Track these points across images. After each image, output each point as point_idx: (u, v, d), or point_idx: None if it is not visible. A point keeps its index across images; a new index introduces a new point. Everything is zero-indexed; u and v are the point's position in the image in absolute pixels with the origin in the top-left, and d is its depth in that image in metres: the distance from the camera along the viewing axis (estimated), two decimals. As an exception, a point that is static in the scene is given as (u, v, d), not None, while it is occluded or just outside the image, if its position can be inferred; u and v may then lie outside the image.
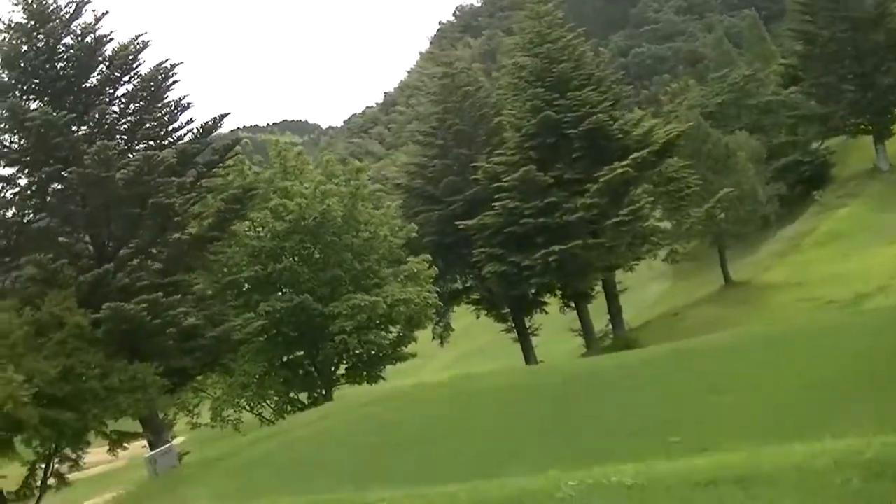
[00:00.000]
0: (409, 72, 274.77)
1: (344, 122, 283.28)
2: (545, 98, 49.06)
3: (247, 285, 35.90)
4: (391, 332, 38.99)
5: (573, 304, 53.92)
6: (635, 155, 47.82)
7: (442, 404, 21.62)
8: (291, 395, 38.29)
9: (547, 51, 49.70)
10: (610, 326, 53.63)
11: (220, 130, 33.20)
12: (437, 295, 40.34)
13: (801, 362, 15.84)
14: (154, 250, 31.80)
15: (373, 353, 38.50)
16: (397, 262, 39.95)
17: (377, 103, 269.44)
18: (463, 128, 52.87)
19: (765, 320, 44.39)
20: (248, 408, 37.78)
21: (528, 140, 49.74)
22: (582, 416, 16.85)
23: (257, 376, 36.04)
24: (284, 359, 38.18)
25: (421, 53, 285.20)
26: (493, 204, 48.10)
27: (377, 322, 37.18)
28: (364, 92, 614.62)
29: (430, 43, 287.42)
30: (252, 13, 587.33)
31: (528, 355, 53.80)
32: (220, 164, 32.61)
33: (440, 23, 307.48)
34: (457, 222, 48.91)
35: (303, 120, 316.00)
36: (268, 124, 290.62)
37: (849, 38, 75.39)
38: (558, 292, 53.17)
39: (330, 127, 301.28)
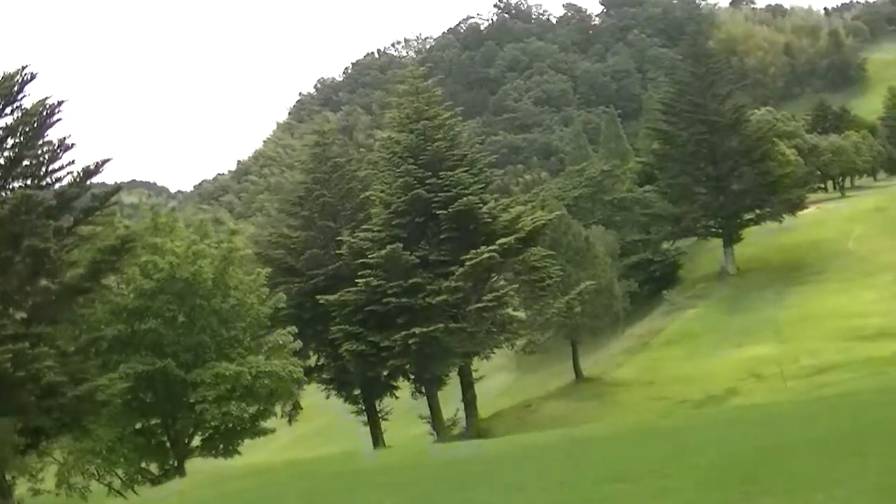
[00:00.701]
0: (265, 141, 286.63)
1: (194, 187, 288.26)
2: (417, 176, 52.16)
3: (106, 344, 36.90)
4: (252, 406, 40.71)
5: (423, 390, 57.17)
6: (503, 241, 51.18)
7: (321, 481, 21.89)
8: (143, 464, 39.21)
9: (423, 128, 53.00)
10: (460, 414, 57.11)
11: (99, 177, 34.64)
12: (302, 369, 42.54)
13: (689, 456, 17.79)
14: (18, 297, 32.60)
15: (231, 425, 39.99)
16: (263, 332, 41.95)
17: (230, 171, 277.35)
18: (330, 200, 55.06)
19: (619, 417, 48.90)
20: (97, 475, 38.41)
21: (396, 217, 52.56)
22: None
23: (109, 442, 36.84)
24: (139, 425, 39.16)
25: (278, 123, 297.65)
26: (357, 281, 49.91)
27: (240, 393, 38.88)
28: (216, 158, 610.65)
29: (289, 114, 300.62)
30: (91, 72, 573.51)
31: (377, 439, 56.24)
32: (98, 212, 33.94)
33: (300, 94, 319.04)
34: (317, 297, 51.28)
35: (151, 181, 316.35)
36: (115, 182, 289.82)
37: (706, 141, 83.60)
38: (411, 376, 56.40)
39: (179, 191, 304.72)
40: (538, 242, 56.44)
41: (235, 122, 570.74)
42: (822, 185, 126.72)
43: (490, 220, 53.14)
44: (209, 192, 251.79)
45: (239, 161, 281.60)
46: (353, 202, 56.27)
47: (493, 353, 56.65)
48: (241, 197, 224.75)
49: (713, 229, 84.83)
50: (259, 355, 40.61)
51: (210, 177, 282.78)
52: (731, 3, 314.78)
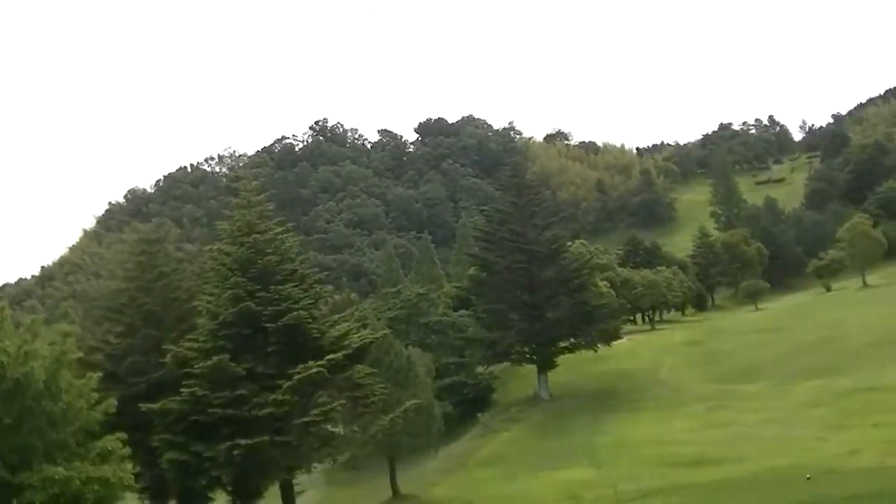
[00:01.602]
0: (70, 248, 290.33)
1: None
2: (247, 288, 55.97)
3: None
4: (79, 511, 42.79)
5: (241, 503, 59.98)
6: (331, 356, 55.71)
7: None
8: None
9: (254, 241, 57.64)
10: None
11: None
12: (133, 476, 45.02)
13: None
14: None
15: (54, 531, 41.98)
16: (93, 436, 44.34)
17: (33, 276, 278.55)
18: (154, 308, 58.63)
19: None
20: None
21: (223, 328, 55.98)
22: None
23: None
24: (-41, 529, 40.60)
25: (85, 231, 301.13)
26: (181, 390, 53.55)
27: (68, 499, 41.04)
28: (15, 262, 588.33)
29: (97, 222, 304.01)
30: None
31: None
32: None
33: (110, 203, 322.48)
34: (140, 405, 54.05)
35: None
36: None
37: (523, 270, 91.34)
38: (229, 487, 59.15)
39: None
40: (363, 360, 61.17)
41: (36, 227, 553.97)
42: (632, 318, 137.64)
43: (318, 335, 57.43)
44: (11, 296, 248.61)
45: (43, 266, 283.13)
46: (177, 311, 59.51)
47: (316, 467, 60.47)
48: (45, 303, 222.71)
49: (528, 355, 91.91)
50: (86, 461, 43.01)
51: (12, 280, 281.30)
52: (545, 139, 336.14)
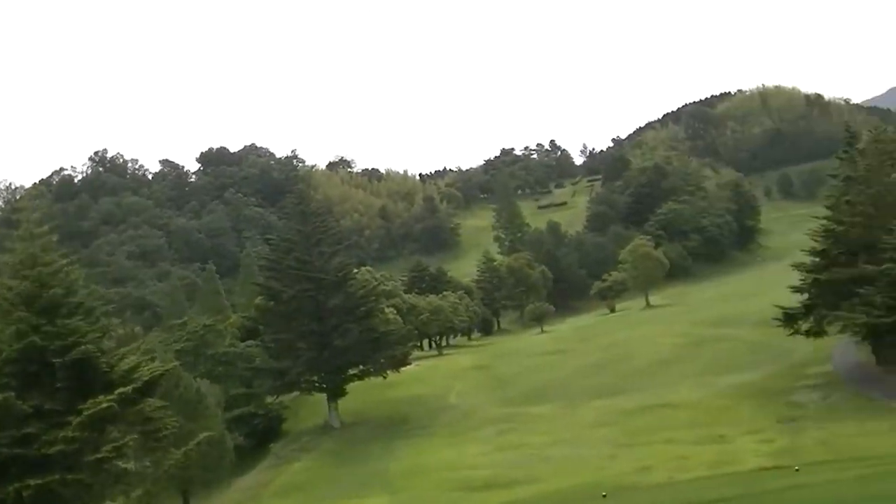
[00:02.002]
0: None
1: None
2: (32, 323, 56.54)
3: None
4: None
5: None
6: (121, 390, 56.83)
7: None
8: None
9: (38, 274, 58.24)
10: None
11: None
12: None
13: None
14: None
15: None
16: None
17: None
18: (-70, 346, 58.44)
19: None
20: None
21: (7, 365, 55.87)
22: None
23: None
24: None
25: None
26: (-35, 431, 53.91)
27: None
28: None
29: None
30: None
31: None
32: None
33: None
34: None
35: None
36: None
37: (311, 298, 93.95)
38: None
39: None
40: (154, 393, 62.29)
41: None
42: (420, 344, 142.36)
43: (108, 369, 58.18)
44: None
45: None
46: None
47: (109, 504, 61.11)
48: None
49: (317, 384, 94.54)
50: None
51: None
52: (328, 167, 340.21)
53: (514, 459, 70.99)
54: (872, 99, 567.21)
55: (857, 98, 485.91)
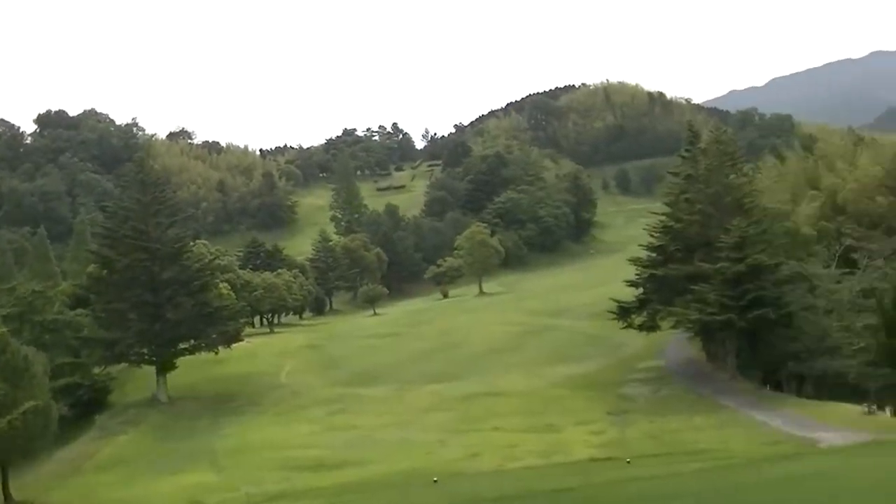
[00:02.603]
0: None
1: None
2: None
3: None
4: None
5: None
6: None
7: None
8: None
9: None
10: None
11: None
12: None
13: None
14: None
15: None
16: None
17: None
18: None
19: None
20: None
21: None
22: None
23: None
24: None
25: None
26: None
27: None
28: None
29: None
30: None
31: None
32: None
33: None
34: None
35: None
36: None
37: (145, 269, 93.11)
38: None
39: None
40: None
41: None
42: (252, 321, 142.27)
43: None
44: None
45: None
46: None
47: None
48: None
49: (147, 356, 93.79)
50: None
51: None
52: (168, 136, 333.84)
53: (344, 441, 71.82)
54: (713, 100, 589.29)
55: (699, 98, 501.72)
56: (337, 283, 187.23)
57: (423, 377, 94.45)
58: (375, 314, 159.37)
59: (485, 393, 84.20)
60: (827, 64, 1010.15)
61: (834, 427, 58.47)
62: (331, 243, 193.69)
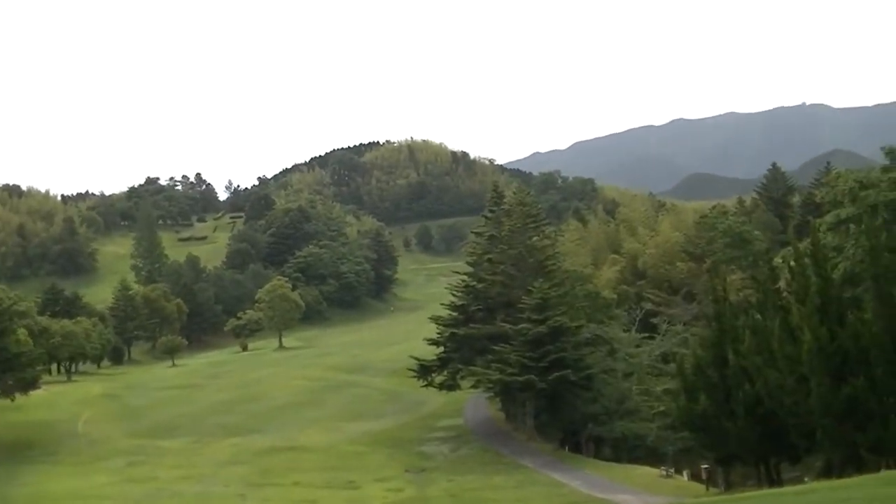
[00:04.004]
0: None
1: None
2: None
3: None
4: None
5: None
6: None
7: None
8: None
9: None
10: None
11: None
12: None
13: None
14: None
15: None
16: None
17: None
18: None
19: None
20: None
21: None
22: None
23: None
24: None
25: None
26: None
27: None
28: None
29: None
30: None
31: None
32: None
33: None
34: None
35: None
36: None
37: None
38: None
39: None
40: None
41: None
42: (49, 369, 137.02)
43: None
44: None
45: None
46: None
47: None
48: None
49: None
50: None
51: None
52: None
53: (142, 492, 69.54)
54: (516, 161, 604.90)
55: (502, 159, 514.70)
56: (136, 332, 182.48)
57: (223, 430, 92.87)
58: (174, 365, 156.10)
59: (284, 447, 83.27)
60: (629, 129, 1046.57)
61: (632, 489, 59.87)
62: (131, 292, 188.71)
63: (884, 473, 28.34)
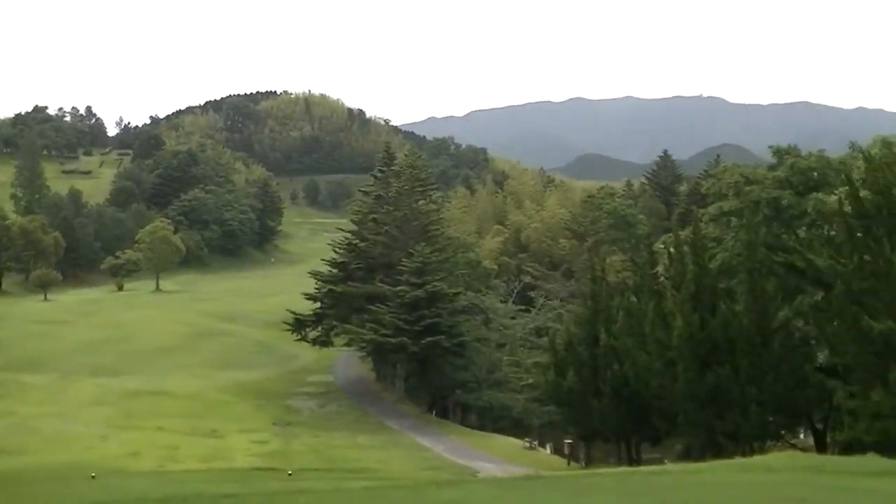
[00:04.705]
0: None
1: None
2: None
3: None
4: None
5: None
6: None
7: None
8: None
9: None
10: None
11: None
12: None
13: None
14: None
15: None
16: None
17: None
18: None
19: None
20: None
21: None
22: None
23: None
24: None
25: None
26: None
27: None
28: None
29: None
30: None
31: None
32: None
33: None
34: None
35: None
36: None
37: None
38: None
39: None
40: None
41: None
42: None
43: None
44: None
45: None
46: None
47: None
48: None
49: None
50: None
51: None
52: None
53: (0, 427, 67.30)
54: (412, 124, 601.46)
55: (398, 120, 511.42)
56: (9, 263, 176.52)
57: (89, 369, 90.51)
58: (46, 300, 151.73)
59: (150, 391, 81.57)
60: (528, 103, 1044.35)
61: (494, 458, 60.26)
62: (7, 222, 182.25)
63: (738, 460, 28.54)
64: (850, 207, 39.40)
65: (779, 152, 71.13)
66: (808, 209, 62.42)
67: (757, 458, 29.36)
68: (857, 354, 37.00)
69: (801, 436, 51.18)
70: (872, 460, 24.27)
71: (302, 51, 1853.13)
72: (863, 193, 39.88)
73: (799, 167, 67.62)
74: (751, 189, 65.02)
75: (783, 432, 46.68)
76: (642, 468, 36.68)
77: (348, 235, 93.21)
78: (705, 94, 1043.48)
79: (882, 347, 35.79)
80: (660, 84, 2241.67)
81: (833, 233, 43.96)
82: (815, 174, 67.47)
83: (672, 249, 51.04)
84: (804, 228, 58.99)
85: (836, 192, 54.12)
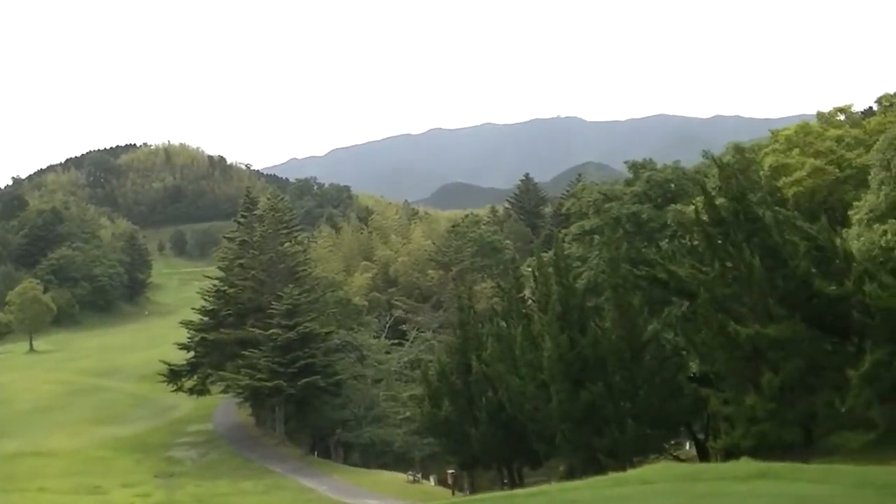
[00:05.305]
0: None
1: None
2: None
3: None
4: None
5: None
6: None
7: None
8: None
9: None
10: None
11: None
12: None
13: None
14: None
15: None
16: None
17: None
18: None
19: None
20: None
21: None
22: None
23: None
24: None
25: None
26: None
27: None
28: None
29: None
30: None
31: None
32: None
33: None
34: None
35: None
36: None
37: None
38: None
39: None
40: None
41: None
42: None
43: None
44: None
45: None
46: None
47: None
48: None
49: None
50: None
51: None
52: None
53: None
54: (273, 167, 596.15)
55: (259, 165, 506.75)
56: None
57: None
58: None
59: (31, 452, 78.94)
60: (388, 137, 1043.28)
61: (379, 495, 59.79)
62: None
63: (613, 475, 28.10)
64: (707, 216, 39.64)
65: (634, 167, 72.04)
66: (667, 221, 63.21)
67: (633, 472, 29.01)
68: (727, 361, 37.08)
69: (688, 446, 51.21)
70: (746, 465, 24.23)
71: (159, 101, 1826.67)
72: (719, 201, 40.27)
73: (655, 180, 68.57)
74: (610, 206, 65.58)
75: (665, 445, 46.52)
76: (520, 491, 36.13)
77: (217, 283, 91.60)
78: (563, 115, 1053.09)
79: (751, 352, 35.92)
80: (517, 108, 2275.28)
81: (695, 242, 44.08)
82: (672, 185, 68.51)
83: (537, 272, 50.77)
84: (666, 240, 59.45)
85: (693, 201, 54.85)
